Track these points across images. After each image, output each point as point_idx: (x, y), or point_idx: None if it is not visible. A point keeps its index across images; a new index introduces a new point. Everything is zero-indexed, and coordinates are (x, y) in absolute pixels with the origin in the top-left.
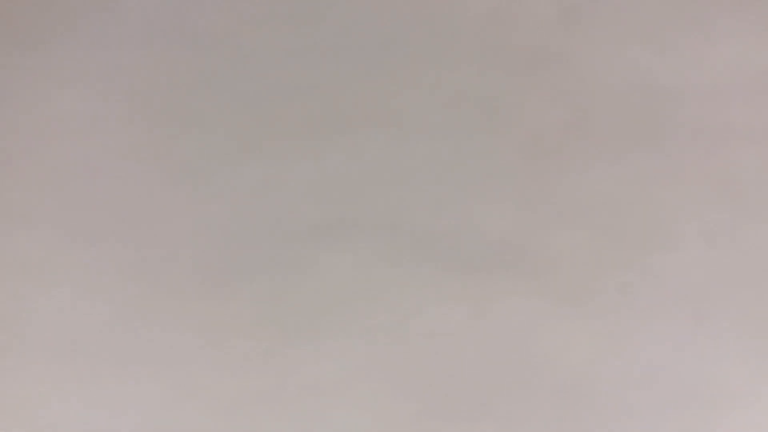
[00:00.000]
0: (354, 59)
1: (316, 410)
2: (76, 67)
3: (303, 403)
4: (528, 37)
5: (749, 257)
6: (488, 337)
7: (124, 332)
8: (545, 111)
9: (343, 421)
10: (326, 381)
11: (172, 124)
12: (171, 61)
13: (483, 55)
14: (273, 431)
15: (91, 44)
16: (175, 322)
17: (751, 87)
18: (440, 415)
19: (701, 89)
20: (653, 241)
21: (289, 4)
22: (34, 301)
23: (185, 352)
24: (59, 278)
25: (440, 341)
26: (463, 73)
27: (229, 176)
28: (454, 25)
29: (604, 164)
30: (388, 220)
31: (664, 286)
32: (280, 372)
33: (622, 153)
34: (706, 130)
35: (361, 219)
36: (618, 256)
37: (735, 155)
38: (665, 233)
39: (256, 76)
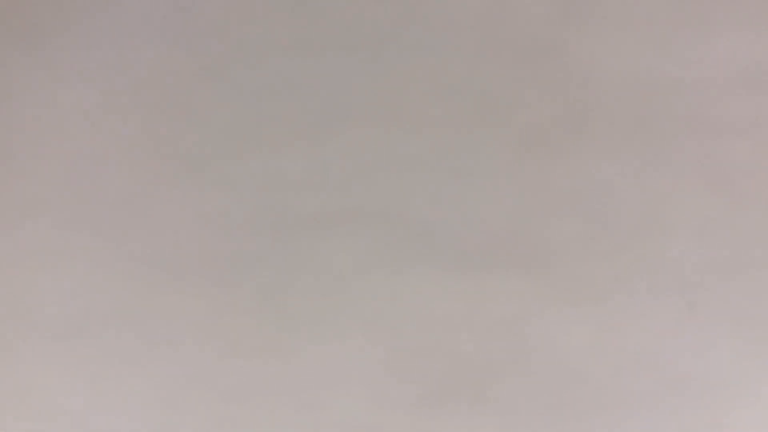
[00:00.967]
0: (353, 54)
1: (316, 396)
2: (81, 64)
3: (303, 389)
4: (525, 31)
5: (742, 248)
6: (485, 325)
7: (129, 321)
8: (542, 104)
9: (342, 407)
10: (326, 368)
11: (175, 118)
12: (173, 58)
13: (480, 49)
14: (275, 417)
15: (95, 42)
16: (178, 311)
17: (744, 82)
18: (438, 402)
19: (695, 83)
20: (647, 233)
21: (288, 2)
22: (42, 290)
23: (188, 341)
24: (66, 269)
25: (438, 330)
26: (460, 67)
27: (231, 169)
28: (451, 19)
29: (600, 157)
30: (386, 211)
31: (658, 276)
32: (282, 358)
33: (617, 146)
34: (699, 124)
35: (360, 210)
36: (613, 247)
37: (728, 148)
38: (659, 225)
39: (256, 72)
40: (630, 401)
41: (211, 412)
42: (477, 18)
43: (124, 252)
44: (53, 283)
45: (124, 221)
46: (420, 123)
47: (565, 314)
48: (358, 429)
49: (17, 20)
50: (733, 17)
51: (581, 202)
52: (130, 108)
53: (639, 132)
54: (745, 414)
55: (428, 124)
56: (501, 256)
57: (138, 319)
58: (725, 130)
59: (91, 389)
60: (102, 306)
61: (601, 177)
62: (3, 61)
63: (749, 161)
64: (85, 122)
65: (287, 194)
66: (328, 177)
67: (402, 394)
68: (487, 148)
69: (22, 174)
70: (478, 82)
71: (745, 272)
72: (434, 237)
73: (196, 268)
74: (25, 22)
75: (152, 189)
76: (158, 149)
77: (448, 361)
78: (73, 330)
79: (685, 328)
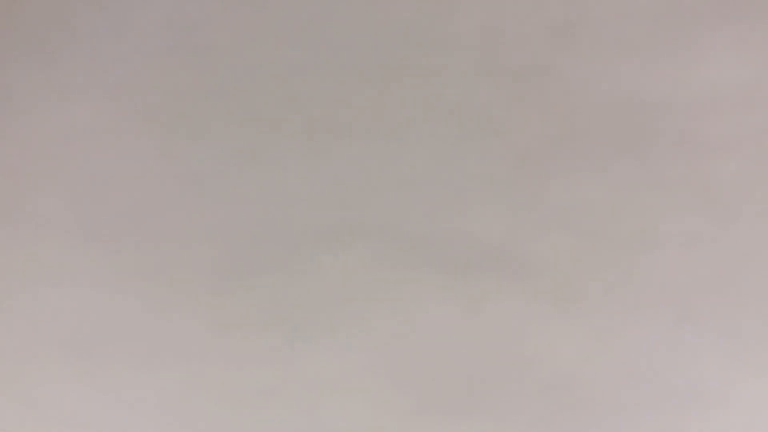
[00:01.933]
0: (354, 73)
1: (317, 403)
2: (91, 80)
3: (306, 397)
4: (519, 53)
5: (727, 261)
6: (481, 336)
7: (137, 329)
8: (535, 122)
9: (343, 414)
10: (328, 376)
11: (182, 133)
12: (180, 74)
13: (476, 70)
14: (277, 423)
15: (104, 59)
16: (185, 320)
17: (729, 101)
18: (435, 409)
19: (682, 103)
20: (637, 245)
21: (291, 21)
22: (54, 303)
23: (195, 349)
24: (76, 278)
25: (435, 340)
26: (457, 86)
27: (236, 182)
28: (449, 43)
29: (591, 173)
30: (386, 224)
31: (647, 287)
32: (285, 367)
33: (607, 162)
34: (686, 141)
35: (361, 223)
36: (603, 260)
37: (713, 165)
38: (648, 238)
39: (261, 89)
40: (620, 410)
41: (216, 419)
42: (473, 42)
43: (132, 265)
44: (64, 296)
45: (130, 236)
46: (418, 141)
47: (558, 326)
48: None
49: (30, 39)
50: (718, 40)
51: (573, 218)
52: (138, 125)
53: (628, 149)
54: (731, 422)
55: (426, 142)
56: (496, 269)
57: (146, 330)
58: (709, 147)
59: (102, 398)
60: (112, 318)
61: (592, 192)
62: (14, 77)
63: (734, 178)
64: (94, 139)
65: (290, 209)
66: (329, 192)
67: (400, 402)
68: (482, 165)
69: (32, 190)
70: (474, 103)
71: (731, 285)
72: (432, 250)
73: (202, 280)
74: (37, 40)
75: (159, 205)
76: (165, 166)
77: (445, 370)
78: (84, 341)
79: (673, 339)
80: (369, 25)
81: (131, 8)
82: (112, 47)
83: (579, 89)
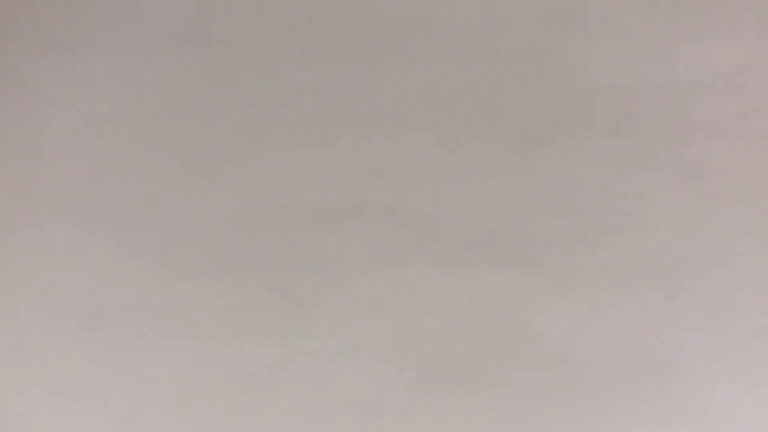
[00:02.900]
0: (356, 60)
1: (323, 381)
2: (104, 70)
3: (312, 374)
4: (516, 40)
5: (714, 240)
6: (479, 312)
7: (148, 313)
8: (533, 107)
9: (348, 390)
10: (331, 353)
11: (190, 122)
12: (189, 64)
13: (474, 55)
14: (282, 398)
15: (115, 49)
16: (194, 303)
17: (717, 86)
18: (436, 384)
19: (672, 88)
20: (628, 225)
21: (296, 11)
22: (66, 286)
23: (204, 326)
24: (88, 259)
25: (436, 317)
26: (457, 73)
27: (243, 167)
28: (448, 30)
29: (585, 156)
30: (388, 206)
31: (638, 265)
32: (290, 343)
33: (600, 145)
34: (677, 125)
35: (365, 207)
36: (596, 239)
37: (702, 148)
38: (639, 218)
39: (267, 76)
40: (614, 383)
41: (225, 395)
42: (472, 28)
43: (142, 249)
44: (76, 279)
45: (142, 220)
46: (420, 125)
47: (555, 303)
48: (362, 410)
49: (47, 30)
50: (709, 26)
51: (569, 200)
52: (147, 113)
53: (622, 133)
54: (719, 393)
55: (428, 127)
56: (494, 249)
57: (156, 311)
58: (702, 130)
59: (113, 376)
60: (122, 299)
61: (588, 175)
62: (28, 68)
63: (724, 160)
64: (105, 126)
65: (296, 192)
66: (334, 176)
67: (404, 379)
68: (482, 149)
69: (44, 176)
70: (473, 88)
71: (720, 263)
72: (434, 232)
73: (211, 262)
74: (54, 32)
75: (168, 189)
76: (174, 152)
77: (446, 348)
78: (96, 322)
79: (664, 315)
80: (371, 14)
81: (145, 1)
82: (127, 38)
83: (572, 74)
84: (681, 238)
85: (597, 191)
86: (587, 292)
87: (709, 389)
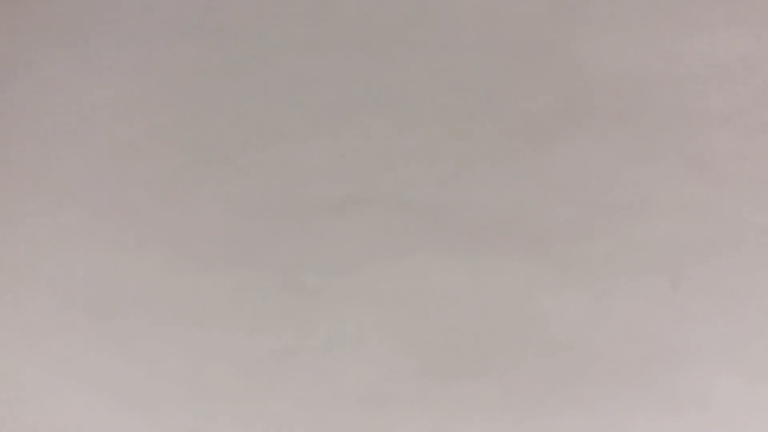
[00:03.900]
0: (364, 52)
1: (330, 368)
2: (113, 59)
3: (319, 362)
4: (522, 30)
5: (719, 228)
6: (486, 300)
7: (158, 295)
8: (539, 97)
9: (355, 377)
10: (340, 341)
11: (200, 110)
12: (198, 54)
13: (482, 47)
14: (291, 386)
15: (126, 39)
16: (203, 291)
17: (723, 75)
18: (444, 372)
19: (678, 77)
20: (635, 213)
21: (303, 2)
22: (78, 274)
23: (213, 318)
24: (99, 246)
25: (443, 305)
26: (463, 63)
27: (253, 156)
28: (454, 20)
29: (592, 145)
30: (395, 195)
31: (645, 253)
32: (298, 333)
33: (608, 135)
34: (682, 114)
35: (371, 195)
36: (603, 228)
37: (708, 137)
38: (645, 206)
39: (274, 69)
40: (620, 371)
41: (234, 383)
42: (478, 18)
43: (152, 237)
44: (86, 267)
45: (152, 209)
46: (426, 115)
47: (561, 291)
48: (369, 398)
49: (53, 19)
50: (714, 15)
51: (576, 189)
52: (157, 102)
53: (628, 122)
54: (724, 381)
55: (434, 116)
56: (501, 238)
57: (166, 299)
58: (708, 120)
59: (123, 363)
60: (132, 288)
61: (593, 165)
62: (39, 57)
63: (729, 149)
64: (116, 116)
65: (304, 182)
66: (341, 166)
67: (410, 366)
68: (488, 138)
69: (55, 165)
70: (479, 77)
71: (724, 252)
72: (439, 221)
73: (220, 251)
74: (60, 21)
75: (178, 179)
76: (184, 142)
77: (452, 336)
78: (106, 310)
79: (669, 303)
80: (378, 4)
81: None
82: (134, 28)
83: (579, 63)
84: (686, 227)
85: (603, 180)
86: (594, 280)
87: (714, 377)
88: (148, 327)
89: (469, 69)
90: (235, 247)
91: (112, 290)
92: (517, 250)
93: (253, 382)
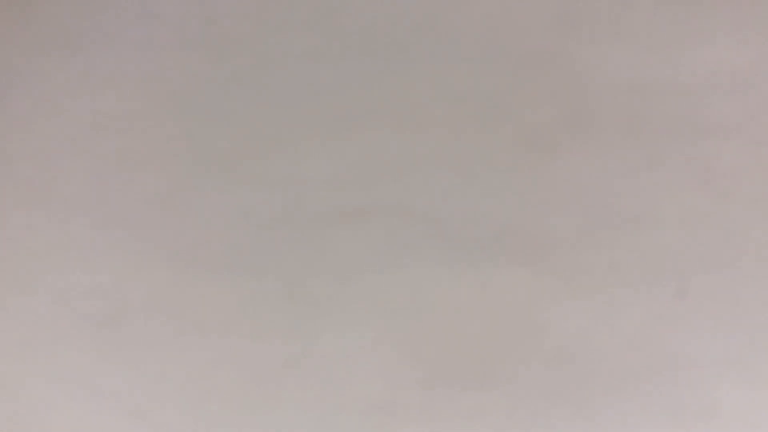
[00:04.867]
0: (368, 61)
1: (334, 377)
2: (118, 68)
3: (323, 371)
4: (526, 40)
5: (727, 240)
6: (490, 310)
7: (163, 310)
8: (543, 107)
9: (358, 387)
10: (344, 351)
11: (206, 120)
12: (201, 63)
13: (484, 55)
14: (294, 396)
15: (130, 48)
16: (208, 300)
17: (728, 85)
18: (446, 381)
19: (685, 87)
20: (639, 225)
21: (307, 11)
22: (83, 283)
23: (217, 327)
24: (103, 257)
25: (446, 315)
26: (467, 73)
27: (257, 167)
28: (459, 30)
29: (596, 155)
30: (399, 207)
31: (649, 264)
32: (303, 344)
33: (611, 145)
34: (688, 125)
35: (376, 205)
36: (607, 238)
37: (712, 147)
38: (650, 217)
39: (279, 75)
40: (625, 381)
41: (238, 392)
42: (482, 28)
43: (157, 246)
44: (89, 276)
45: (158, 218)
46: (430, 125)
47: (565, 301)
48: (373, 407)
49: (58, 30)
50: (720, 25)
51: (579, 198)
52: (163, 112)
53: (632, 132)
54: (729, 392)
55: (438, 126)
56: (505, 248)
57: (171, 308)
58: (713, 130)
59: (127, 372)
60: (138, 296)
61: (597, 174)
62: (42, 66)
63: (735, 159)
64: (120, 125)
65: (308, 192)
66: (345, 175)
67: (414, 376)
68: (492, 148)
69: (57, 174)
70: (484, 87)
71: (729, 262)
72: (444, 231)
73: (225, 260)
74: (64, 31)
75: (181, 188)
76: (189, 151)
77: (457, 345)
78: (110, 319)
79: (675, 313)
80: (381, 13)
81: (157, 0)
82: (139, 37)
83: (583, 74)
84: (691, 237)
85: (607, 190)
86: (597, 290)
87: (719, 388)
88: (153, 336)
89: (473, 79)
90: (239, 256)
91: (116, 300)
92: (522, 260)
93: (257, 391)
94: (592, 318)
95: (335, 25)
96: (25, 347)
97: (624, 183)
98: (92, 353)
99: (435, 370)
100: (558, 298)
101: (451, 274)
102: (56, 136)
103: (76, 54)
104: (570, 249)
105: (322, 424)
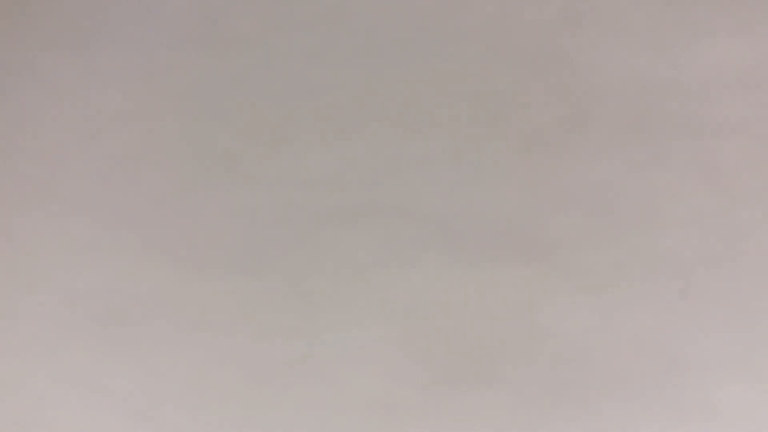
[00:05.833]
0: (371, 60)
1: (337, 377)
2: (120, 67)
3: (326, 371)
4: (529, 39)
5: (731, 239)
6: (493, 309)
7: (167, 309)
8: (546, 106)
9: (361, 386)
10: (347, 351)
11: (209, 119)
12: (206, 62)
13: (488, 55)
14: (297, 395)
15: (133, 47)
16: (211, 299)
17: (732, 84)
18: (450, 381)
19: (688, 86)
20: (644, 224)
21: (311, 11)
22: (84, 276)
23: (221, 327)
24: (106, 256)
25: (450, 314)
26: (469, 72)
27: (261, 166)
28: (461, 29)
29: (600, 154)
30: (403, 205)
31: (654, 264)
32: (306, 343)
33: (616, 144)
34: (692, 123)
35: (379, 204)
36: (612, 238)
37: (718, 146)
38: (655, 218)
39: (282, 75)
40: (628, 381)
41: (242, 390)
42: (485, 27)
43: (161, 246)
44: (93, 276)
45: (161, 217)
46: (433, 124)
47: (568, 301)
48: (376, 406)
49: (60, 28)
50: (723, 23)
51: (583, 198)
52: (167, 111)
53: (636, 131)
54: (732, 392)
55: (440, 125)
56: (508, 247)
57: (174, 307)
58: (717, 129)
59: (131, 371)
60: (142, 296)
61: (601, 174)
62: (45, 65)
63: (739, 158)
64: (123, 124)
65: (312, 191)
66: (348, 175)
67: (417, 375)
68: (495, 147)
69: (61, 174)
70: (486, 86)
71: (733, 262)
72: (446, 230)
73: (228, 260)
74: (67, 29)
75: (184, 187)
76: (193, 150)
77: (459, 344)
78: (114, 318)
79: (678, 313)
80: (384, 13)
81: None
82: (142, 36)
83: (587, 73)
84: (694, 235)
85: (610, 189)
86: (602, 289)
87: (723, 387)
88: (157, 335)
89: (475, 78)
90: (242, 255)
91: (119, 299)
92: (525, 259)
93: (260, 390)
94: (596, 317)
95: (336, 24)
96: (29, 346)
97: (627, 182)
98: (97, 352)
99: (437, 369)
100: (562, 298)
101: (454, 274)
102: (60, 135)
103: (79, 53)
104: (573, 248)
105: (324, 422)
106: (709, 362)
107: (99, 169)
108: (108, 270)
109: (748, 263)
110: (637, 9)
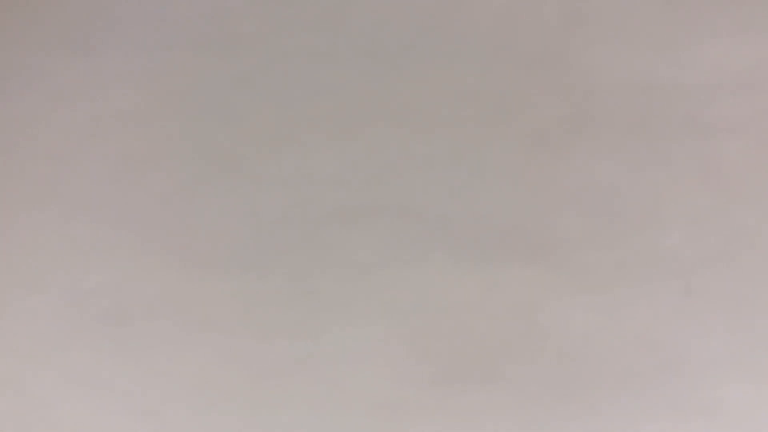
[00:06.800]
0: (374, 61)
1: (341, 375)
2: (123, 68)
3: (330, 369)
4: (531, 38)
5: (731, 238)
6: (497, 308)
7: (171, 308)
8: (548, 106)
9: (365, 385)
10: (351, 349)
11: (213, 119)
12: (209, 63)
13: (491, 55)
14: (301, 393)
15: (136, 48)
16: (216, 299)
17: (735, 84)
18: (453, 380)
19: (689, 86)
20: (646, 224)
21: (314, 11)
22: (89, 276)
23: (225, 326)
24: (110, 256)
25: (454, 313)
26: (472, 72)
27: (264, 166)
28: (465, 30)
29: (602, 155)
30: (406, 204)
31: (655, 263)
32: (310, 342)
33: (618, 144)
34: (693, 124)
35: (382, 204)
36: (615, 239)
37: (720, 146)
38: (657, 217)
39: (287, 77)
40: (629, 379)
41: (246, 389)
42: (488, 28)
43: (164, 245)
44: (97, 275)
45: (166, 217)
46: (436, 124)
47: (571, 300)
48: (380, 405)
49: (63, 30)
50: (723, 24)
51: (585, 197)
52: (170, 112)
53: (638, 131)
54: (735, 390)
55: (444, 125)
56: (511, 246)
57: (179, 306)
58: (718, 129)
59: (135, 370)
60: (145, 295)
61: (603, 173)
62: (48, 66)
63: (740, 158)
64: (126, 125)
65: (315, 191)
66: (352, 174)
67: (420, 374)
68: (497, 147)
69: (65, 174)
70: (489, 87)
71: (735, 260)
72: (450, 229)
73: (232, 259)
74: (69, 30)
75: (191, 187)
76: (196, 150)
77: (463, 343)
78: (118, 317)
79: (681, 312)
80: (388, 14)
81: (165, 0)
82: (144, 37)
83: (590, 74)
84: (696, 235)
85: (612, 189)
86: (605, 288)
87: (725, 385)
88: (160, 334)
89: (478, 79)
90: (246, 255)
91: (122, 298)
92: (528, 259)
93: (264, 388)
94: (599, 316)
95: (339, 25)
96: (33, 346)
97: (629, 182)
98: (100, 351)
99: (440, 368)
100: (565, 297)
101: (458, 273)
102: (63, 136)
103: (82, 54)
104: (577, 247)
105: (327, 421)
106: (711, 361)
107: (102, 169)
108: (111, 269)
109: (749, 263)
110: (638, 10)
